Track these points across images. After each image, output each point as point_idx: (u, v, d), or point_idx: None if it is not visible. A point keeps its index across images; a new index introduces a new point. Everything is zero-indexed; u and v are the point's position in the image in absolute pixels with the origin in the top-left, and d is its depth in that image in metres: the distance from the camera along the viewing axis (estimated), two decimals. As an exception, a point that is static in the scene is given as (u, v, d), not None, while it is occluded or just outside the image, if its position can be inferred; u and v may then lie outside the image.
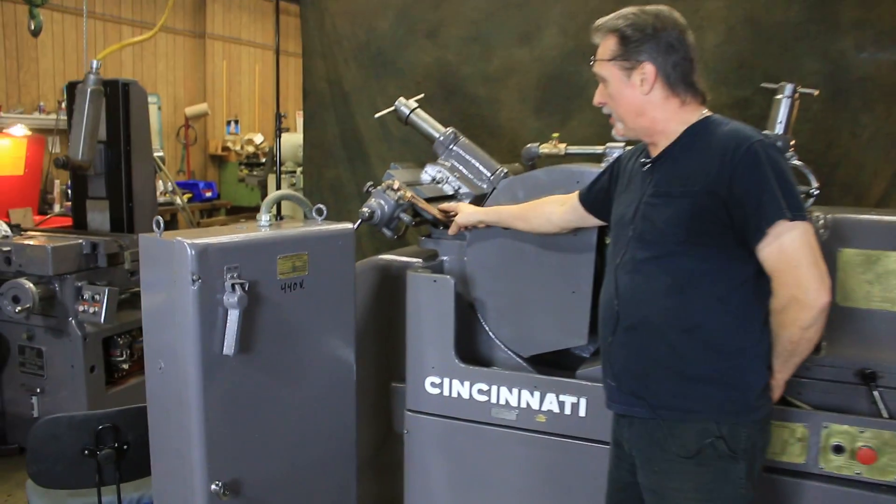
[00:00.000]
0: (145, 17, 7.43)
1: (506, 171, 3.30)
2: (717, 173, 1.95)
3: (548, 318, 2.96)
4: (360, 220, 2.87)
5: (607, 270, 2.30)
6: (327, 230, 2.58)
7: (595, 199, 2.53)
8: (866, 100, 4.05)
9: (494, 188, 3.20)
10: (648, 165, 2.17)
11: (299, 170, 5.50)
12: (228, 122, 8.73)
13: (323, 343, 2.59)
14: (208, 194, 7.60)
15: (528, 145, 3.45)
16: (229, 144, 8.55)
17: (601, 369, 2.29)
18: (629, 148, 2.48)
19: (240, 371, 2.31)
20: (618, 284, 2.18)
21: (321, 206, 2.70)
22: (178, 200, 4.79)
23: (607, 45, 2.19)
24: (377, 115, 3.46)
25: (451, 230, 2.93)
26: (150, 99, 8.30)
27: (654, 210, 2.08)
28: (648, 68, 2.09)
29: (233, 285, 2.21)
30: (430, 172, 3.27)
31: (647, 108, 2.13)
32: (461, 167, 3.32)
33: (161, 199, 7.23)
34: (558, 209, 2.67)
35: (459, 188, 3.24)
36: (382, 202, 2.89)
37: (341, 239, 2.60)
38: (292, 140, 5.71)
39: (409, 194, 2.89)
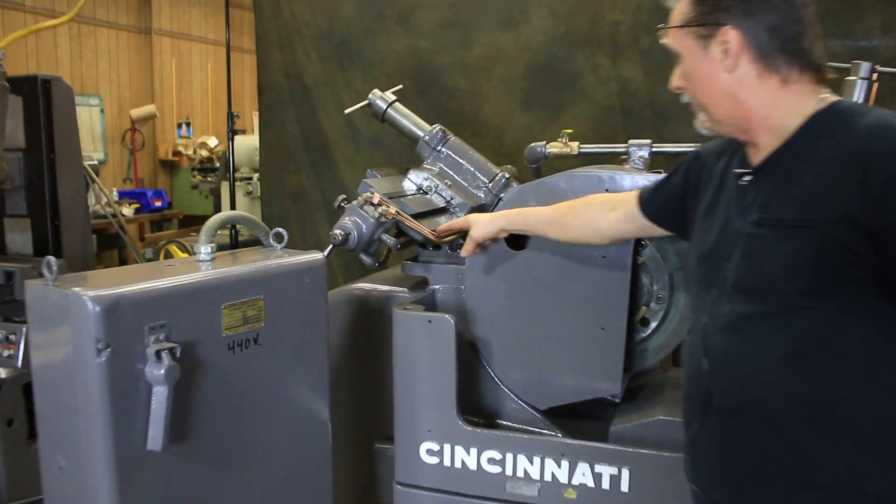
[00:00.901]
0: (57, 5, 6.54)
1: (507, 176, 2.65)
2: (860, 191, 1.28)
3: (570, 361, 2.33)
4: (331, 246, 2.21)
5: (692, 325, 1.64)
6: (290, 264, 1.90)
7: (662, 207, 1.86)
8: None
9: (498, 198, 2.56)
10: (749, 178, 1.51)
11: (256, 176, 4.80)
12: (179, 125, 7.97)
13: (287, 413, 1.92)
14: (158, 203, 6.85)
15: (533, 145, 2.81)
16: (181, 148, 7.79)
17: (683, 461, 1.64)
18: (706, 144, 1.82)
19: (172, 468, 1.63)
20: (709, 348, 1.51)
21: (281, 230, 2.03)
22: (116, 213, 4.07)
23: (679, 7, 1.55)
24: (348, 111, 2.80)
25: (466, 250, 2.27)
26: (92, 101, 7.56)
27: (762, 246, 1.42)
28: (731, 35, 1.45)
29: (158, 352, 1.54)
30: (415, 180, 2.61)
31: (735, 90, 1.48)
32: (452, 172, 2.66)
33: (103, 212, 6.46)
34: (608, 215, 2.01)
35: (452, 198, 2.58)
36: (360, 221, 2.22)
37: (309, 274, 1.93)
38: (247, 142, 5.03)
39: (393, 210, 2.23)
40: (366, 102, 2.78)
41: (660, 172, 2.32)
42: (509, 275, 2.35)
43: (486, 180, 2.65)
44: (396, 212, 2.24)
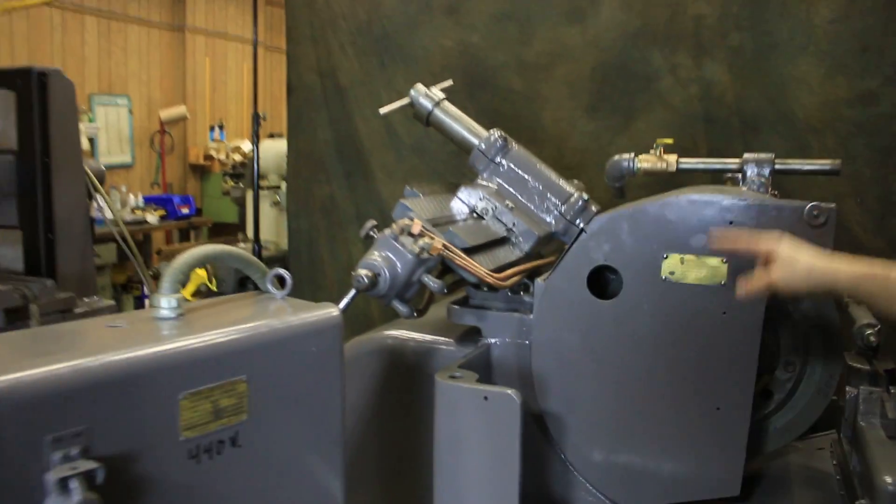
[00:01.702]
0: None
1: (586, 198, 2.03)
2: None
3: (671, 449, 1.70)
4: (353, 291, 1.61)
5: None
6: (289, 325, 1.29)
7: None
8: None
9: (580, 228, 1.94)
10: None
11: (284, 185, 4.23)
12: (212, 128, 7.46)
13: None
14: (185, 210, 6.34)
15: (618, 158, 2.18)
16: (212, 153, 7.28)
17: None
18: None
19: None
20: None
21: (282, 272, 1.44)
22: (118, 223, 3.53)
23: None
24: (384, 110, 2.20)
25: (754, 287, 1.48)
26: (120, 101, 7.10)
27: None
28: None
29: (64, 480, 0.94)
30: (467, 200, 2.00)
31: None
32: (514, 191, 2.05)
33: (129, 218, 5.97)
34: None
35: (514, 225, 1.97)
36: (393, 257, 1.62)
37: (317, 339, 1.32)
38: (276, 148, 4.48)
39: (439, 243, 1.63)
40: (407, 100, 2.19)
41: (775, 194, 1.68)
42: (592, 330, 1.73)
43: (557, 202, 2.03)
44: (444, 245, 1.64)
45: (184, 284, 1.33)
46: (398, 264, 1.61)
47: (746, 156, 2.00)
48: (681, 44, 3.33)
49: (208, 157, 7.41)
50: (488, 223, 1.94)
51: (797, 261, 1.41)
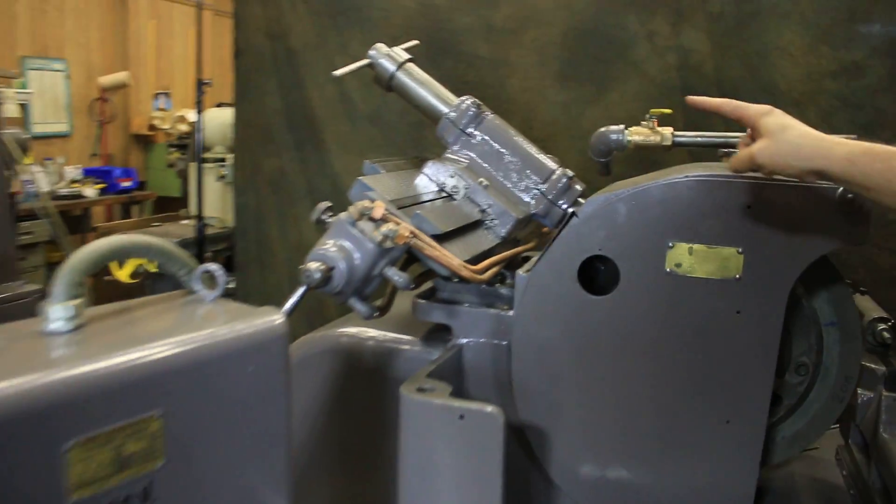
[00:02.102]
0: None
1: (570, 174, 1.76)
2: None
3: (671, 465, 1.46)
4: (302, 289, 1.32)
5: None
6: (220, 340, 0.99)
7: None
8: None
9: (566, 210, 1.68)
10: None
11: (230, 157, 3.89)
12: (156, 96, 6.99)
13: None
14: (127, 184, 5.91)
15: (604, 129, 1.91)
16: (157, 122, 6.83)
17: None
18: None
19: None
20: None
21: (212, 268, 1.13)
22: (40, 197, 3.17)
23: None
24: (339, 72, 1.89)
25: (737, 163, 1.26)
26: (56, 65, 6.56)
27: None
28: None
29: None
30: (434, 176, 1.71)
31: None
32: (489, 167, 1.77)
33: (64, 191, 5.53)
34: None
35: (489, 206, 1.69)
36: (351, 247, 1.33)
37: (256, 357, 1.03)
38: (222, 117, 4.12)
39: (406, 231, 1.34)
40: (366, 62, 1.88)
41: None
42: (583, 330, 1.47)
43: (537, 179, 1.75)
44: (411, 233, 1.35)
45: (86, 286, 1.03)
46: (356, 255, 1.33)
47: (731, 134, 1.76)
48: (658, 8, 3.08)
49: (152, 128, 6.95)
50: (460, 204, 1.66)
51: (786, 133, 1.16)
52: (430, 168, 1.72)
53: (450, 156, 1.78)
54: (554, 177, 1.75)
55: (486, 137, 1.78)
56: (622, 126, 1.88)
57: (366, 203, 1.34)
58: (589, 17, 3.15)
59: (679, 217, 1.38)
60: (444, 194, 1.69)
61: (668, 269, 1.40)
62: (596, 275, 1.52)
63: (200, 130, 3.83)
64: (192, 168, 3.94)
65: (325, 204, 1.39)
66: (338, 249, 1.32)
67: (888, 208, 1.11)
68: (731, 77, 3.05)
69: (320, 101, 3.47)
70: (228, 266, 3.97)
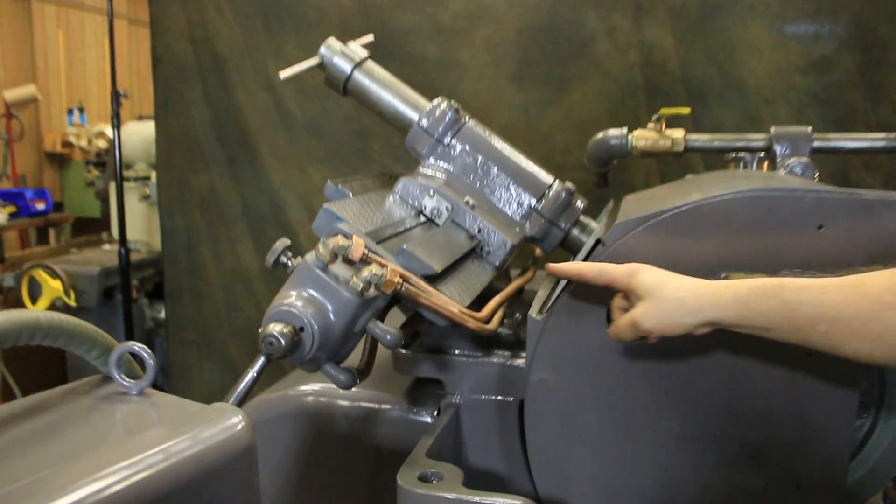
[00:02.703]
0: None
1: (571, 188, 1.45)
2: None
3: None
4: (261, 360, 0.97)
5: None
6: (151, 472, 0.64)
7: None
8: None
9: (558, 228, 1.37)
10: None
11: (154, 175, 3.46)
12: (70, 111, 6.43)
13: None
14: (40, 206, 5.37)
15: (603, 135, 1.62)
16: (72, 139, 6.26)
17: None
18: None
19: None
20: None
21: (136, 347, 0.78)
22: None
23: None
24: (286, 74, 1.53)
25: (618, 334, 1.05)
26: (-45, 80, 6.00)
27: None
28: None
29: None
30: (410, 197, 1.38)
31: None
32: (473, 183, 1.45)
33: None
34: None
35: (479, 230, 1.37)
36: (323, 300, 0.99)
37: (210, 487, 0.68)
38: (144, 131, 3.69)
39: (396, 275, 1.00)
40: (316, 61, 1.53)
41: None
42: (616, 385, 1.16)
43: (531, 195, 1.44)
44: (402, 277, 1.02)
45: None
46: (331, 309, 0.98)
47: (776, 129, 1.49)
48: (618, 3, 2.82)
49: (67, 144, 6.38)
50: (446, 231, 1.33)
51: (664, 290, 0.98)
52: (403, 187, 1.39)
53: (425, 171, 1.45)
54: (551, 193, 1.44)
55: (467, 147, 1.46)
56: (625, 129, 1.58)
57: (340, 240, 0.99)
58: (545, 13, 2.87)
59: (734, 242, 1.08)
60: (424, 219, 1.36)
61: (719, 307, 1.10)
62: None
63: (118, 147, 3.39)
64: (113, 188, 3.51)
65: (283, 242, 1.04)
66: (306, 303, 0.98)
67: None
68: (697, 74, 2.82)
69: (252, 111, 3.09)
70: (157, 294, 3.56)
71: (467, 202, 1.38)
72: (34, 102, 6.02)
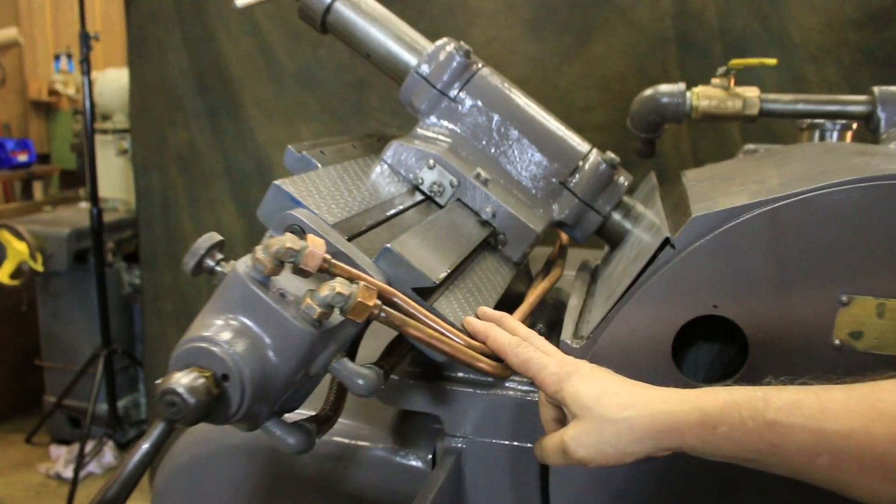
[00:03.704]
0: None
1: (615, 159, 1.09)
2: None
3: None
4: (159, 428, 0.62)
5: None
6: None
7: None
8: None
9: (604, 216, 1.01)
10: None
11: (131, 129, 3.09)
12: (57, 57, 6.00)
13: None
14: (23, 158, 5.00)
15: (652, 91, 1.25)
16: (59, 87, 5.86)
17: None
18: None
19: None
20: None
21: None
22: None
23: None
24: (241, 3, 1.17)
25: (554, 457, 0.71)
26: (-68, 22, 5.57)
27: None
28: None
29: None
30: (403, 168, 1.02)
31: None
32: (486, 150, 1.09)
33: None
34: None
35: (493, 214, 1.01)
36: (259, 331, 0.64)
37: None
38: (122, 79, 3.31)
39: (372, 297, 0.65)
40: (286, -13, 1.16)
41: None
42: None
43: (562, 167, 1.08)
44: (382, 297, 0.66)
45: None
46: (271, 346, 0.63)
47: (881, 91, 1.12)
48: (649, -56, 2.45)
49: (54, 93, 5.96)
50: (450, 215, 0.97)
51: (603, 407, 0.68)
52: (394, 154, 1.02)
53: (424, 133, 1.09)
54: (588, 165, 1.08)
55: (480, 103, 1.09)
56: (682, 86, 1.21)
57: (288, 241, 0.64)
58: (566, -49, 2.49)
59: (863, 251, 0.72)
60: (420, 198, 1.01)
61: (836, 342, 0.75)
62: (694, 350, 0.86)
63: (89, 95, 3.01)
64: (96, 140, 3.15)
65: (210, 238, 0.68)
66: (234, 337, 0.62)
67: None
68: (737, 27, 2.46)
69: (236, 58, 2.71)
70: (137, 258, 3.22)
71: (478, 175, 1.02)
72: (17, 47, 5.59)
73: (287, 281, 0.66)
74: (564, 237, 1.23)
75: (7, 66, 5.52)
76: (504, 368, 0.75)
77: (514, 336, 0.73)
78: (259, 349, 0.63)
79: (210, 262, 0.69)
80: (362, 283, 0.64)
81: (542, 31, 2.54)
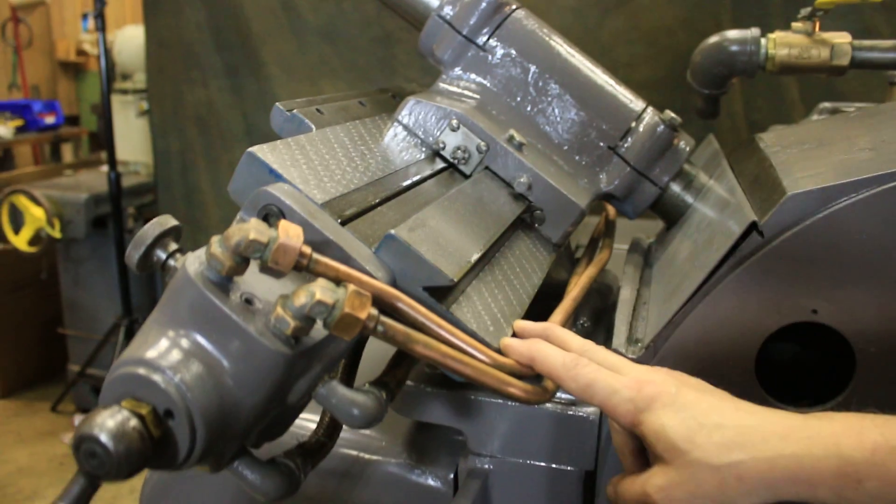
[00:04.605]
0: None
1: (675, 120, 0.91)
2: None
3: None
4: (77, 487, 0.46)
5: None
6: None
7: None
8: None
9: (661, 187, 0.83)
10: None
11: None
12: (85, 16, 5.88)
13: None
14: (50, 120, 4.91)
15: (722, 37, 1.05)
16: (87, 47, 5.74)
17: None
18: None
19: None
20: None
21: None
22: None
23: None
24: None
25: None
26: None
27: None
28: None
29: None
30: (421, 130, 0.85)
31: None
32: (521, 107, 0.91)
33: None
34: None
35: (529, 186, 0.84)
36: (216, 352, 0.48)
37: None
38: (139, 37, 3.16)
39: (364, 312, 0.49)
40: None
41: None
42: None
43: (611, 129, 0.90)
44: (380, 304, 0.50)
45: None
46: (230, 372, 0.47)
47: None
48: None
49: (82, 53, 5.86)
50: (475, 187, 0.80)
51: (699, 453, 0.49)
52: (411, 112, 0.85)
53: (447, 87, 0.91)
54: (643, 126, 0.89)
55: (514, 52, 0.91)
56: (756, 31, 1.01)
57: (252, 231, 0.47)
58: None
59: None
60: (442, 165, 0.84)
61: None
62: (784, 363, 0.69)
63: (103, 53, 2.87)
64: (115, 101, 3.02)
65: (158, 224, 0.53)
66: (183, 359, 0.46)
67: None
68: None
69: (256, 12, 2.54)
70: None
71: (511, 138, 0.85)
72: (43, 6, 5.47)
73: (257, 282, 0.50)
74: (612, 211, 1.05)
75: (34, 26, 5.40)
76: (543, 392, 0.58)
77: (567, 353, 0.56)
78: (215, 376, 0.47)
79: (161, 255, 0.53)
80: (351, 286, 0.48)
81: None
